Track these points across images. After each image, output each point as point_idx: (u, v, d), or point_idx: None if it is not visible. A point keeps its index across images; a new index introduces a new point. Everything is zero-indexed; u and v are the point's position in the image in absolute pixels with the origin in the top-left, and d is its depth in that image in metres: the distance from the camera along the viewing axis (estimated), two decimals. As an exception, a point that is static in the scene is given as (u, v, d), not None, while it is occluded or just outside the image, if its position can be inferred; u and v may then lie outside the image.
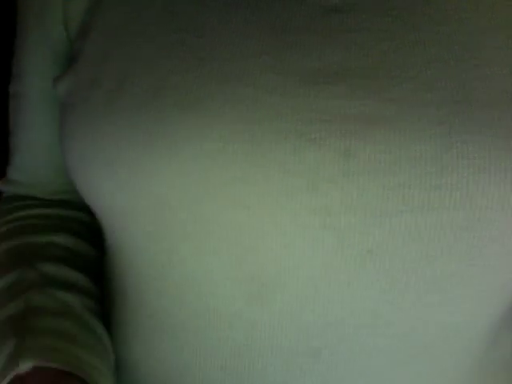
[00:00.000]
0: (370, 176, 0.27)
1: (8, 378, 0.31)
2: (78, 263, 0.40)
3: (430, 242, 0.28)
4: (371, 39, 0.29)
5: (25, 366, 0.31)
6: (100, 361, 0.34)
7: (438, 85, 0.28)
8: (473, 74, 0.29)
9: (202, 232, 0.30)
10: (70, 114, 0.34)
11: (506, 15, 0.30)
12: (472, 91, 0.28)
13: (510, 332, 0.37)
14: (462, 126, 0.28)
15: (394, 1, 0.30)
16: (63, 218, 0.44)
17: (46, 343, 0.32)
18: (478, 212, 0.28)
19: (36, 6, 0.38)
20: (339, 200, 0.28)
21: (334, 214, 0.28)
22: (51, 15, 0.37)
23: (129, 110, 0.30)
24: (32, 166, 0.45)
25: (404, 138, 0.28)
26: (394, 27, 0.30)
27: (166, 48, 0.31)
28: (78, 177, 0.34)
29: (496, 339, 0.35)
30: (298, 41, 0.30)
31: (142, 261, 0.33)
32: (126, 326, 0.37)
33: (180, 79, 0.30)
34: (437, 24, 0.30)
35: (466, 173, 0.27)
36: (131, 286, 0.35)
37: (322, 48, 0.29)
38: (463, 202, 0.27)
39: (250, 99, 0.29)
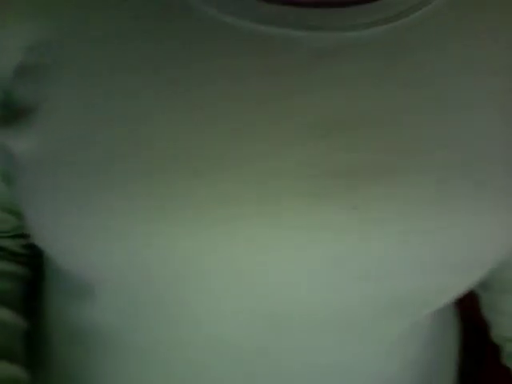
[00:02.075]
0: (374, 225, 0.29)
1: None
2: None
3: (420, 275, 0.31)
4: (371, 84, 0.29)
5: None
6: None
7: (441, 128, 0.30)
8: (456, 117, 0.30)
9: (222, 288, 0.31)
10: (29, 182, 0.31)
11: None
12: (458, 136, 0.30)
13: None
14: (455, 171, 0.30)
15: (391, 40, 0.30)
16: None
17: None
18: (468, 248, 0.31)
19: None
20: (344, 250, 0.29)
21: (345, 262, 0.29)
22: None
23: (91, 192, 0.29)
24: None
25: (407, 188, 0.29)
26: (394, 70, 0.30)
27: (155, 105, 0.29)
28: (55, 246, 0.32)
29: None
30: (297, 87, 0.29)
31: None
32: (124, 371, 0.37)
33: (184, 145, 0.28)
34: (434, 66, 0.30)
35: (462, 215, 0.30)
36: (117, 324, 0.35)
37: (324, 94, 0.29)
38: (460, 240, 0.30)
39: (251, 157, 0.28)
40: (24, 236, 0.41)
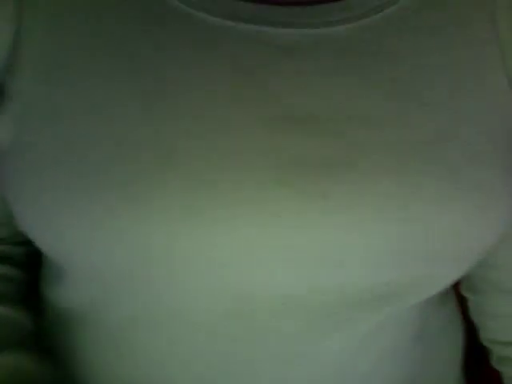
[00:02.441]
0: (346, 214, 0.30)
1: None
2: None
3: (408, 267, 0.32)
4: (337, 80, 0.31)
5: None
6: None
7: (392, 124, 0.31)
8: (417, 113, 0.31)
9: (197, 281, 0.31)
10: (14, 177, 0.32)
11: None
12: (417, 130, 0.31)
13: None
14: (415, 164, 0.30)
15: (361, 36, 0.32)
16: None
17: None
18: (432, 241, 0.31)
19: None
20: (319, 238, 0.30)
21: (312, 250, 0.30)
22: None
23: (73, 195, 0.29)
24: None
25: (368, 179, 0.30)
26: (361, 66, 0.31)
27: (130, 98, 0.30)
28: (41, 236, 0.32)
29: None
30: (265, 83, 0.31)
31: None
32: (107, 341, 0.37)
33: (154, 136, 0.29)
34: (398, 62, 0.32)
35: (422, 206, 0.30)
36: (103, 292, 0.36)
37: (288, 92, 0.30)
38: (423, 233, 0.30)
39: (223, 147, 0.29)
40: (24, 244, 0.41)
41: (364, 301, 0.33)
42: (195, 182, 0.29)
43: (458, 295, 0.46)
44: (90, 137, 0.30)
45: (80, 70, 0.31)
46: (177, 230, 0.29)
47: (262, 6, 0.32)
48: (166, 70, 0.31)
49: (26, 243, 0.38)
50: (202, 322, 0.34)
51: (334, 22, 0.32)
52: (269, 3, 0.32)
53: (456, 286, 0.46)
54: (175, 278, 0.31)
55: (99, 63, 0.31)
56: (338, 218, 0.29)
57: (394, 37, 0.32)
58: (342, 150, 0.30)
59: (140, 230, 0.29)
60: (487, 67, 0.33)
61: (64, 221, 0.30)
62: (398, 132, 0.31)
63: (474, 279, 0.44)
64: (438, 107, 0.32)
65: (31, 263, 0.43)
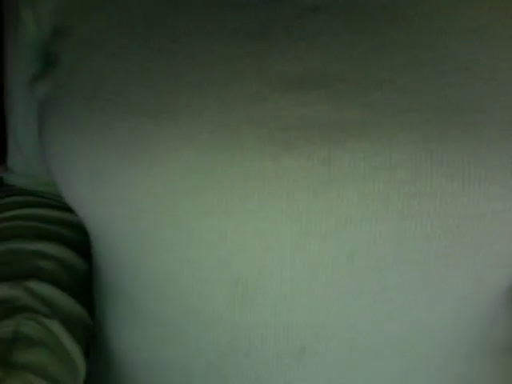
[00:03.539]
0: (349, 184, 0.27)
1: None
2: (65, 278, 0.40)
3: (408, 247, 0.29)
4: (350, 41, 0.28)
5: None
6: None
7: (417, 88, 0.27)
8: (452, 78, 0.28)
9: (182, 238, 0.30)
10: (49, 121, 0.33)
11: (475, 18, 0.29)
12: (451, 95, 0.27)
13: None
14: (439, 133, 0.27)
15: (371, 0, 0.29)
16: (56, 222, 0.44)
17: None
18: (452, 220, 0.28)
19: (14, 3, 0.38)
20: (319, 207, 0.28)
21: (314, 221, 0.28)
22: (25, 12, 0.37)
23: (106, 121, 0.30)
24: (24, 155, 0.45)
25: (382, 145, 0.27)
26: (373, 28, 0.29)
27: (141, 56, 0.30)
28: (59, 182, 0.34)
29: (493, 322, 0.36)
30: (275, 44, 0.29)
31: (123, 262, 0.34)
32: (116, 320, 0.37)
33: (156, 89, 0.29)
34: (416, 24, 0.29)
35: (444, 181, 0.27)
36: (117, 283, 0.36)
37: (301, 52, 0.29)
38: (441, 209, 0.27)
39: (228, 106, 0.28)
40: None
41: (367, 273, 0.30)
42: (197, 142, 0.28)
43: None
44: (96, 96, 0.31)
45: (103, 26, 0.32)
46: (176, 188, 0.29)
47: None
48: (179, 30, 0.30)
49: None
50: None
51: None
52: None
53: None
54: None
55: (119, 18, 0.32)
56: (341, 188, 0.27)
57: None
58: (353, 112, 0.27)
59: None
60: None
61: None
62: (422, 98, 0.27)
63: None
64: (473, 76, 0.28)
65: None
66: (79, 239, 0.44)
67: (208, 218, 0.29)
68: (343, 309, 0.30)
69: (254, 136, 0.28)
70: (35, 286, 0.37)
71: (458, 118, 0.27)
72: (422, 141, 0.27)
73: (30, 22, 0.36)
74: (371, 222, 0.28)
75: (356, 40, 0.28)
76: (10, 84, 0.42)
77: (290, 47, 0.29)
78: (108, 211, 0.31)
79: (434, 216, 0.27)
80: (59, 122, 0.32)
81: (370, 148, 0.27)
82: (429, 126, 0.27)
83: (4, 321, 0.34)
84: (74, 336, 0.37)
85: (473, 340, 0.35)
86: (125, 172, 0.29)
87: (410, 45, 0.28)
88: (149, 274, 0.32)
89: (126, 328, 0.37)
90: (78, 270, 0.42)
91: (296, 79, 0.28)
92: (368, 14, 0.29)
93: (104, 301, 0.39)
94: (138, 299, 0.34)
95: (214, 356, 0.33)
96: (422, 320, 0.31)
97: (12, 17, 0.39)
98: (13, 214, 0.43)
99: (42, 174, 0.45)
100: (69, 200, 0.34)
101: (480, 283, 0.32)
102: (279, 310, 0.31)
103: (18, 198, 0.45)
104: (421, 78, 0.28)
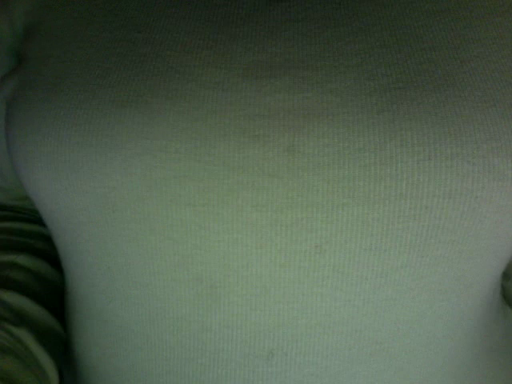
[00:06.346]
0: (315, 170, 0.27)
1: None
2: (37, 289, 0.39)
3: (378, 233, 0.28)
4: (315, 28, 0.29)
5: None
6: None
7: (381, 71, 0.28)
8: (417, 59, 0.28)
9: (146, 231, 0.29)
10: (13, 116, 0.33)
11: (440, 2, 0.30)
12: (416, 76, 0.27)
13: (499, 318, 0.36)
14: (404, 113, 0.27)
15: None
16: (28, 235, 0.43)
17: None
18: (425, 200, 0.27)
19: None
20: (285, 196, 0.27)
21: (279, 210, 0.27)
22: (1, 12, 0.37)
23: (66, 109, 0.29)
24: None
25: (346, 130, 0.27)
26: (337, 14, 0.29)
27: (105, 46, 0.30)
28: (24, 178, 0.33)
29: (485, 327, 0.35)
30: (240, 33, 0.29)
31: (88, 264, 0.33)
32: (84, 330, 0.36)
33: (118, 76, 0.29)
34: (381, 8, 0.29)
35: (410, 161, 0.26)
36: (82, 290, 0.35)
37: (265, 39, 0.29)
38: (409, 191, 0.27)
39: (192, 95, 0.28)
40: None
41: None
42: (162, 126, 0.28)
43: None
44: (60, 83, 0.30)
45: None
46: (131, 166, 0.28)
47: None
48: (145, 19, 0.30)
49: None
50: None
51: None
52: None
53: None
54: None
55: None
56: (307, 176, 0.27)
57: None
58: (317, 98, 0.27)
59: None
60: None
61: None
62: (387, 81, 0.27)
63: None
64: (439, 56, 0.28)
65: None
66: (54, 252, 0.43)
67: (171, 209, 0.28)
68: (315, 306, 0.29)
69: (219, 126, 0.27)
70: (4, 295, 0.36)
71: (422, 98, 0.27)
72: (386, 123, 0.27)
73: (3, 24, 0.37)
74: (338, 208, 0.27)
75: (319, 27, 0.29)
76: None
77: (253, 36, 0.29)
78: (69, 201, 0.30)
79: (401, 198, 0.27)
80: (23, 115, 0.32)
81: (334, 134, 0.27)
82: (393, 107, 0.27)
83: None
84: (45, 346, 0.36)
85: (472, 340, 0.34)
86: (84, 160, 0.29)
87: (374, 30, 0.28)
88: (111, 275, 0.31)
89: (94, 336, 0.35)
90: (51, 282, 0.41)
91: (260, 67, 0.28)
92: (331, 2, 0.29)
93: (71, 309, 0.38)
94: (104, 306, 0.33)
95: (179, 360, 0.31)
96: (402, 318, 0.30)
97: None
98: None
99: (15, 188, 0.44)
100: (31, 194, 0.33)
101: (464, 276, 0.30)
102: (246, 309, 0.29)
103: None
104: (385, 60, 0.28)
